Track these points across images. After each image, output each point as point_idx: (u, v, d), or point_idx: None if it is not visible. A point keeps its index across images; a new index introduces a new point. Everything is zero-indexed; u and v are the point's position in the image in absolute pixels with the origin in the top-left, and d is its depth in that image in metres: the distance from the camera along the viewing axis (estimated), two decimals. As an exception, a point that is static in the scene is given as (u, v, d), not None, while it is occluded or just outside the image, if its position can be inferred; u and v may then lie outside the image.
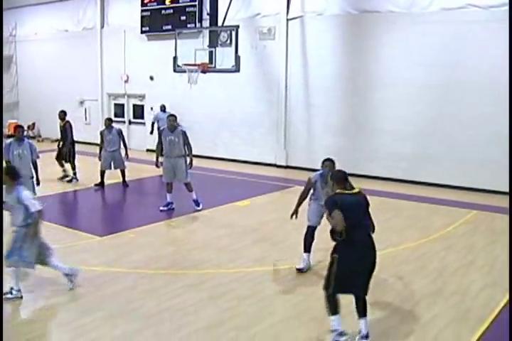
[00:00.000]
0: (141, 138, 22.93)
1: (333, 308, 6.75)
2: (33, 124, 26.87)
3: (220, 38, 19.27)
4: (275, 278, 9.12)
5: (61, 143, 16.99)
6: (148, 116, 22.60)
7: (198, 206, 13.39)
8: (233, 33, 17.56)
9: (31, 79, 26.92)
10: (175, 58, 17.84)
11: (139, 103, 23.33)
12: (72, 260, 9.87)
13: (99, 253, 10.38)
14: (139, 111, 23.39)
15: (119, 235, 11.47)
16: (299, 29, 18.42)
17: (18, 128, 12.49)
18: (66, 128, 16.82)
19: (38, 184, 12.15)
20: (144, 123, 23.00)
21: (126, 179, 16.33)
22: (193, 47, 17.96)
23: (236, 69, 17.33)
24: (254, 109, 19.58)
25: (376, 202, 14.15)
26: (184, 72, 17.70)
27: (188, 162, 13.26)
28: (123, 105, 23.92)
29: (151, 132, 19.85)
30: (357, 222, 6.60)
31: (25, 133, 13.44)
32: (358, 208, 6.73)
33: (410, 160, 16.68)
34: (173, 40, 17.90)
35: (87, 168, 17.44)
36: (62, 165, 16.93)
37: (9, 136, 24.99)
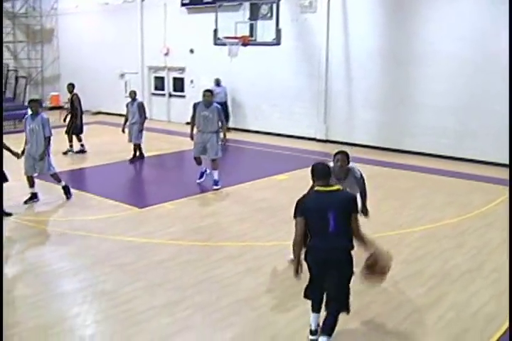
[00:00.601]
0: (180, 111, 22.99)
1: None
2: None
3: (261, 10, 19.18)
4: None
5: (69, 116, 17.13)
6: (189, 89, 22.65)
7: (217, 185, 13.02)
8: (274, 6, 17.48)
9: (72, 52, 27.07)
10: (215, 31, 17.84)
11: (179, 76, 23.35)
12: (113, 231, 10.05)
13: (138, 225, 10.51)
14: (179, 84, 23.42)
15: (158, 207, 11.59)
16: (340, 2, 18.18)
17: (33, 102, 11.91)
18: (73, 101, 16.95)
19: (41, 158, 11.62)
20: (184, 96, 23.04)
21: (167, 151, 16.35)
22: (233, 20, 17.92)
23: (277, 42, 17.28)
24: (295, 82, 19.47)
25: (416, 178, 14.21)
26: (224, 45, 17.70)
27: (221, 138, 13.18)
28: (163, 78, 23.97)
29: None
30: (321, 228, 5.92)
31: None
32: (326, 211, 5.89)
33: (451, 136, 16.48)
34: (214, 13, 17.90)
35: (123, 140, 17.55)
36: (71, 140, 17.04)
37: (50, 108, 25.38)
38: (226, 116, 19.39)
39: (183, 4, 22.06)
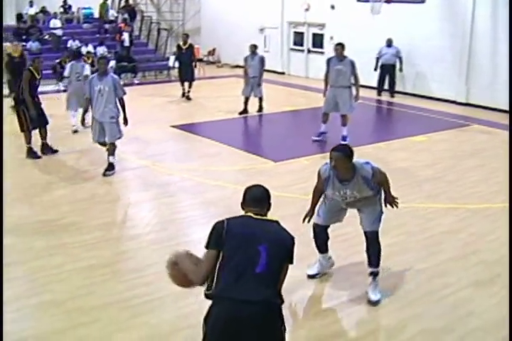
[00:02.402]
0: (319, 67, 22.76)
1: None
2: (214, 50, 27.45)
3: (407, -34, 18.61)
4: (447, 217, 8.93)
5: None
6: (328, 46, 22.41)
7: (345, 141, 12.72)
8: (421, -39, 16.89)
9: (213, 5, 27.31)
10: (359, -13, 17.48)
11: (318, 32, 23.12)
12: (248, 182, 10.17)
13: (273, 178, 10.60)
14: (318, 40, 23.18)
15: (293, 161, 11.66)
16: (492, -42, 17.31)
17: (99, 60, 11.03)
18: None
19: (125, 123, 10.81)
20: (322, 53, 22.81)
21: (304, 107, 16.42)
22: (377, -24, 17.51)
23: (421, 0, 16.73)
24: (437, 41, 18.81)
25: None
26: (367, 1, 17.35)
27: (354, 93, 12.97)
28: (302, 34, 23.80)
29: (375, 69, 19.29)
30: (243, 265, 4.11)
31: (109, 65, 12.47)
32: (257, 243, 4.19)
33: None
34: (358, -32, 17.48)
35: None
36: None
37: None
38: (392, 81, 19.32)
39: (326, -41, 21.71)
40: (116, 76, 10.97)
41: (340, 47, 12.84)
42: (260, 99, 16.39)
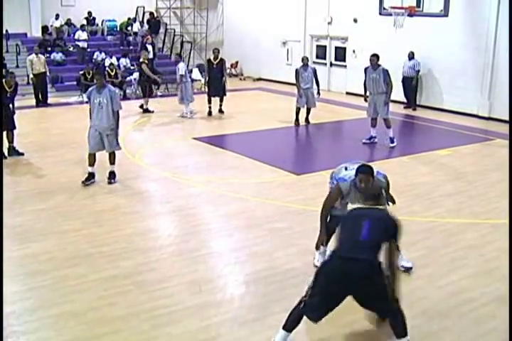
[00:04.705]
0: (341, 80, 22.85)
1: None
2: (236, 63, 27.55)
3: (430, -20, 18.60)
4: (469, 232, 8.87)
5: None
6: (350, 59, 22.43)
7: (393, 143, 14.03)
8: (444, -24, 16.90)
9: (236, 18, 27.44)
10: (381, 0, 17.52)
11: (341, 45, 23.14)
12: (270, 195, 10.23)
13: (296, 191, 10.64)
14: (340, 54, 23.19)
15: (316, 175, 11.63)
16: (516, -28, 17.25)
17: (95, 74, 11.79)
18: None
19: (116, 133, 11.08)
20: (345, 66, 22.84)
21: (326, 120, 16.48)
22: (400, -10, 17.52)
23: (444, 13, 16.73)
24: (459, 55, 18.74)
25: None
26: (390, 15, 17.37)
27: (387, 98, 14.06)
28: (325, 47, 23.83)
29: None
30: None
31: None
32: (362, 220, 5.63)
33: None
34: (381, -18, 17.52)
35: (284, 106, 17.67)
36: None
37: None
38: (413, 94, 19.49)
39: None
40: (114, 89, 11.19)
41: (375, 57, 13.89)
42: (309, 111, 16.70)
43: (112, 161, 11.10)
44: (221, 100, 18.05)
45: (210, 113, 17.86)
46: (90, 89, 11.02)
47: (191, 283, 7.03)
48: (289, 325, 5.56)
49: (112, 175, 11.08)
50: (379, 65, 13.89)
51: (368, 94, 14.23)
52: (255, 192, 10.43)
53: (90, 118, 10.92)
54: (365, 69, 14.13)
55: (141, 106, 18.19)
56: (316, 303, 5.44)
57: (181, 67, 17.57)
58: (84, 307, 6.46)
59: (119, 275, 7.22)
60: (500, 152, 13.94)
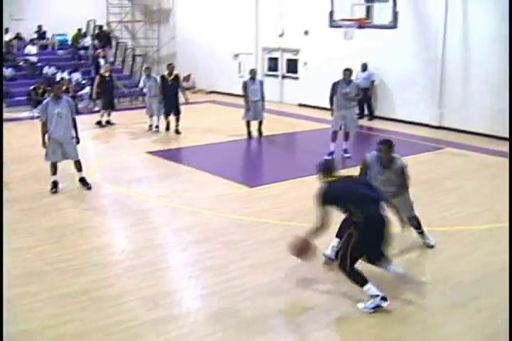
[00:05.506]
0: (293, 92, 23.01)
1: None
2: (189, 76, 27.51)
3: (378, -8, 18.87)
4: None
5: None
6: (302, 71, 22.61)
7: (347, 153, 14.19)
8: (392, -12, 17.15)
9: (188, 31, 27.44)
10: (331, 13, 17.70)
11: (292, 57, 23.32)
12: (223, 208, 10.23)
13: (249, 203, 10.68)
14: (292, 66, 23.38)
15: (270, 187, 11.68)
16: (460, -17, 17.61)
17: (56, 84, 12.22)
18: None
19: (77, 142, 11.36)
20: (297, 78, 23.02)
21: (279, 132, 16.58)
22: (349, 2, 17.72)
23: (393, 25, 16.99)
24: (410, 66, 19.04)
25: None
26: (340, 27, 17.54)
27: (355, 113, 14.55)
28: (277, 59, 24.00)
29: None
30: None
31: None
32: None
33: None
34: (330, -5, 17.71)
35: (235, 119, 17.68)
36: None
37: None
38: (368, 105, 19.98)
39: (299, -15, 21.96)
40: (70, 98, 11.60)
41: (348, 72, 13.91)
42: (260, 123, 16.60)
43: (79, 168, 11.42)
44: (178, 120, 17.23)
45: (168, 128, 17.41)
46: (46, 101, 11.12)
47: (147, 298, 6.99)
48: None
49: (85, 182, 11.45)
50: (351, 80, 14.02)
51: (334, 107, 14.14)
52: (209, 206, 10.43)
53: (46, 130, 10.94)
54: (334, 84, 13.95)
55: (99, 122, 18.08)
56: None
57: (141, 80, 17.99)
58: (39, 325, 6.37)
59: (75, 291, 7.14)
60: (452, 160, 14.20)
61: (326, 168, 6.99)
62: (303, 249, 6.74)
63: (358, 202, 6.64)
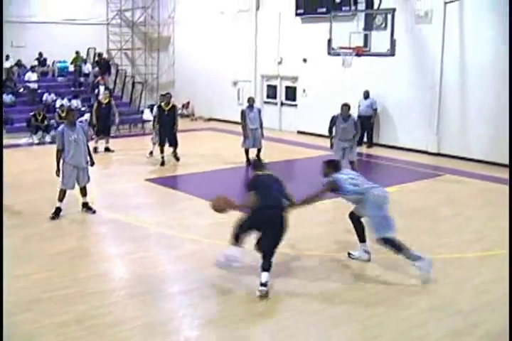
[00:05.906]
0: (292, 119, 23.11)
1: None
2: (188, 103, 27.68)
3: (376, 21, 19.05)
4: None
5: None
6: (301, 98, 22.74)
7: None
8: (389, 16, 17.30)
9: (187, 59, 27.67)
10: (329, 41, 17.80)
11: (291, 85, 23.47)
12: (222, 236, 10.16)
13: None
14: (291, 93, 23.53)
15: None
16: (456, 12, 17.76)
17: (70, 111, 12.53)
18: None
19: (92, 164, 11.61)
20: (295, 105, 23.15)
21: (278, 159, 16.76)
22: (347, 30, 17.86)
23: (391, 53, 17.07)
24: (407, 93, 19.19)
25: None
26: (338, 55, 17.64)
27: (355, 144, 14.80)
28: (275, 86, 24.15)
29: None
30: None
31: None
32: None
33: None
34: (328, 23, 17.86)
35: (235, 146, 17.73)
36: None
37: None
38: (369, 133, 20.04)
39: (297, 14, 22.14)
40: (82, 124, 11.93)
41: (346, 107, 14.20)
42: (259, 151, 16.63)
43: (85, 193, 11.49)
44: (175, 149, 16.84)
45: (163, 163, 16.50)
46: (61, 128, 11.21)
47: (145, 326, 6.95)
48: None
49: (88, 207, 11.58)
50: (349, 115, 14.21)
51: (334, 140, 14.45)
52: (207, 233, 10.40)
53: (60, 156, 11.03)
54: (333, 118, 14.30)
55: (95, 149, 17.49)
56: None
57: (155, 107, 17.70)
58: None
59: (72, 320, 7.08)
60: (449, 187, 14.20)
61: (257, 165, 9.19)
62: (222, 204, 8.49)
63: (264, 193, 8.20)
